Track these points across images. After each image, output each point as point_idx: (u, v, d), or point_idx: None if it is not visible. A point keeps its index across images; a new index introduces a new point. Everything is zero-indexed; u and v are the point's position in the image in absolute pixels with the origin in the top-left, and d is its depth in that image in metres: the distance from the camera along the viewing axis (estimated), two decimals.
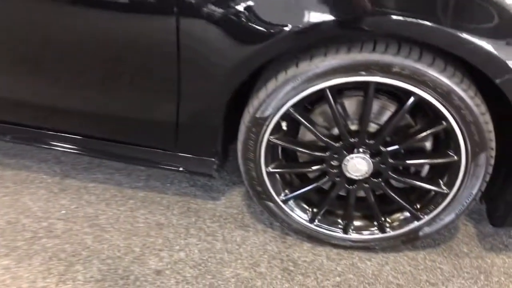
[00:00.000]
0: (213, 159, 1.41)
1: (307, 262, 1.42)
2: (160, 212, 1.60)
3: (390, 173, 1.27)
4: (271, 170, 1.35)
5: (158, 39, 1.21)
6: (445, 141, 1.23)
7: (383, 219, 1.37)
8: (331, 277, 1.37)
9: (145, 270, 1.37)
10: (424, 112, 1.24)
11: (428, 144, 1.28)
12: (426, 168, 1.33)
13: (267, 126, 1.25)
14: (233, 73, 1.19)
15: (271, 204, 1.41)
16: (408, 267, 1.41)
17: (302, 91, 1.17)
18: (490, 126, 1.13)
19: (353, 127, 1.28)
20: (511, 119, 1.17)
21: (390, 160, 1.25)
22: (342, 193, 1.41)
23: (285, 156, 1.42)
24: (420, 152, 1.29)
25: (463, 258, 1.44)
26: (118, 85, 1.35)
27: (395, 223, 1.38)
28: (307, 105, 1.31)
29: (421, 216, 1.32)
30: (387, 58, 1.08)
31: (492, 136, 1.15)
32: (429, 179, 1.32)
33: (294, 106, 1.21)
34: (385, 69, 1.08)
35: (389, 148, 1.23)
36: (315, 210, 1.41)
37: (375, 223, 1.39)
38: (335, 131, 1.29)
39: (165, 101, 1.32)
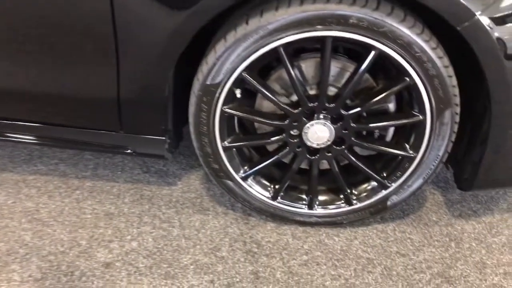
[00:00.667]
0: (164, 138, 1.29)
1: (272, 243, 1.32)
2: (110, 201, 1.45)
3: (353, 139, 1.19)
4: (228, 144, 1.24)
5: (92, 7, 1.08)
6: (409, 101, 1.16)
7: (349, 191, 1.29)
8: (297, 256, 1.28)
9: (92, 264, 1.23)
10: (386, 72, 1.17)
11: (391, 106, 1.21)
12: (391, 132, 1.26)
13: (220, 94, 1.14)
14: (171, 41, 1.08)
15: (229, 182, 1.30)
16: (378, 240, 1.34)
17: (255, 51, 1.07)
18: (454, 80, 1.07)
19: (312, 92, 1.20)
20: (473, 73, 1.11)
21: (353, 125, 1.16)
22: (304, 166, 1.33)
23: (242, 129, 1.32)
24: (383, 115, 1.22)
25: (433, 226, 1.38)
26: (53, 59, 1.20)
27: (362, 194, 1.30)
28: (263, 71, 1.22)
29: (389, 184, 1.25)
30: (343, 8, 0.99)
31: (456, 91, 1.08)
32: (395, 144, 1.25)
33: (248, 69, 1.11)
34: (342, 21, 1.00)
35: (351, 112, 1.15)
36: (277, 186, 1.32)
37: (341, 195, 1.31)
38: (294, 97, 1.20)
39: (103, 74, 1.18)
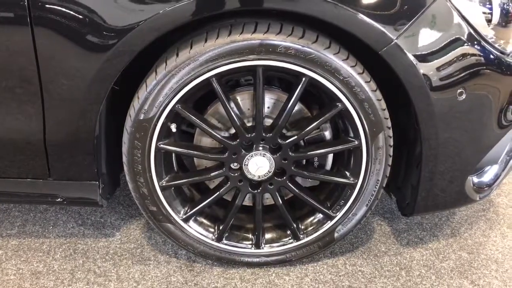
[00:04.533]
0: (96, 182, 1.21)
1: None
2: (38, 259, 1.32)
3: (293, 168, 1.18)
4: (166, 184, 1.19)
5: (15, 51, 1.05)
6: (343, 127, 1.18)
7: (295, 225, 1.25)
8: None
9: None
10: (319, 100, 1.20)
11: (327, 133, 1.22)
12: (330, 160, 1.27)
13: (154, 129, 1.10)
14: (94, 83, 1.05)
15: (170, 225, 1.23)
16: (329, 275, 1.29)
17: (187, 83, 1.05)
18: (383, 104, 1.10)
19: (250, 123, 1.19)
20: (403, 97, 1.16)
21: (291, 154, 1.16)
22: (248, 203, 1.29)
23: (182, 166, 1.27)
24: (321, 143, 1.22)
25: (382, 257, 1.35)
26: None
27: (309, 228, 1.26)
28: (200, 105, 1.21)
29: (334, 214, 1.23)
30: (270, 37, 1.01)
31: (386, 114, 1.11)
32: (335, 172, 1.25)
33: (182, 102, 1.09)
34: (270, 50, 1.02)
35: (288, 141, 1.14)
36: (221, 226, 1.26)
37: (288, 231, 1.27)
38: (232, 130, 1.19)
39: (28, 117, 1.11)
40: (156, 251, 1.36)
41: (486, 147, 1.21)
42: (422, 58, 1.03)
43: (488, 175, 1.29)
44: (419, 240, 1.43)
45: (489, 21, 1.10)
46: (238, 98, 1.19)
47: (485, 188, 1.28)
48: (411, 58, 1.02)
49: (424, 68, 1.04)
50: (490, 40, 1.09)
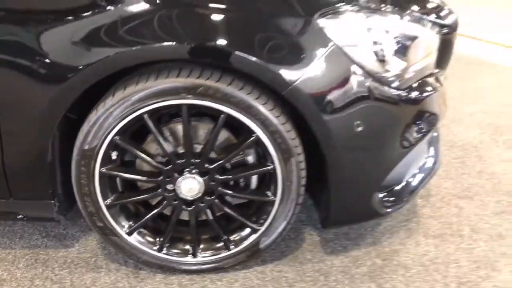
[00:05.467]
0: (52, 201, 1.40)
1: None
2: (3, 268, 1.50)
3: (220, 189, 1.37)
4: (110, 203, 1.38)
5: None
6: (262, 153, 1.37)
7: (226, 237, 1.44)
8: None
9: None
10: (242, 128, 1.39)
11: (251, 158, 1.41)
12: (254, 181, 1.46)
13: (96, 157, 1.29)
14: (44, 114, 1.23)
15: (116, 238, 1.42)
16: (256, 281, 1.47)
17: (122, 119, 1.25)
18: (293, 134, 1.29)
19: (181, 150, 1.38)
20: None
21: (217, 176, 1.35)
22: (186, 217, 1.47)
23: (127, 185, 1.45)
24: (245, 166, 1.41)
25: (306, 264, 1.55)
26: None
27: (237, 239, 1.46)
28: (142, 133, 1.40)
29: (258, 228, 1.42)
30: (191, 81, 1.21)
31: (296, 142, 1.30)
32: (259, 191, 1.44)
33: (120, 134, 1.28)
34: (191, 91, 1.21)
35: (213, 165, 1.33)
36: (161, 238, 1.44)
37: (220, 242, 1.46)
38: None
39: None
40: (108, 260, 1.55)
41: (388, 167, 1.40)
42: (320, 98, 1.23)
43: (394, 192, 1.49)
44: (342, 249, 1.62)
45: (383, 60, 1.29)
46: (172, 127, 1.37)
47: (392, 204, 1.48)
48: (311, 98, 1.22)
49: (322, 106, 1.23)
50: (384, 78, 1.29)
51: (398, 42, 1.32)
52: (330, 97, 1.23)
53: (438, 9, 1.58)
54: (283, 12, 1.19)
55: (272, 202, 1.38)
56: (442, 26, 1.52)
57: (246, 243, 1.44)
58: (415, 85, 1.38)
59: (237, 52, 1.15)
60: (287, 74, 1.19)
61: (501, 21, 6.23)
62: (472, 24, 5.91)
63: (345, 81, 1.24)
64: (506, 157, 2.32)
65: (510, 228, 1.75)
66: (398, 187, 1.51)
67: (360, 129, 1.29)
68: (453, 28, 1.59)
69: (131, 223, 1.43)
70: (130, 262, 1.53)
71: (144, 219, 1.40)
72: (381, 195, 1.45)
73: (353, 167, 1.35)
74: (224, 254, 1.45)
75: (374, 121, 1.31)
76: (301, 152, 1.33)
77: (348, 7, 1.24)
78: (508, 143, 2.48)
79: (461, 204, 1.90)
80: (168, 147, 1.32)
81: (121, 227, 1.41)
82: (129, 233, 1.42)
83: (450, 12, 1.62)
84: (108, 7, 1.17)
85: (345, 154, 1.32)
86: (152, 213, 1.39)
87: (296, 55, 1.20)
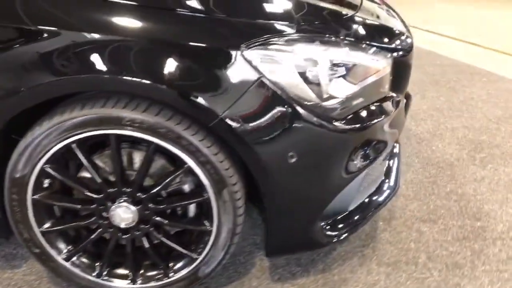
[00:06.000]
0: None
1: None
2: None
3: (155, 218, 1.35)
4: (46, 229, 1.36)
5: None
6: (197, 183, 1.34)
7: (164, 264, 1.42)
8: None
9: None
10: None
11: (186, 187, 1.38)
12: (192, 210, 1.43)
13: (27, 186, 1.28)
14: None
15: (53, 264, 1.41)
16: None
17: (51, 148, 1.23)
18: (226, 164, 1.26)
19: (113, 178, 1.36)
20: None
21: (151, 205, 1.33)
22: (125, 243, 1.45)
23: (66, 210, 1.44)
24: (180, 195, 1.39)
25: None
26: None
27: (177, 267, 1.43)
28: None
29: (196, 257, 1.40)
30: (117, 112, 1.19)
31: (230, 172, 1.27)
32: (196, 220, 1.41)
33: (51, 163, 1.27)
34: (117, 122, 1.19)
35: (145, 195, 1.31)
36: (100, 263, 1.43)
37: (160, 269, 1.44)
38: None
39: None
40: (51, 284, 1.54)
41: (328, 196, 1.37)
42: (249, 130, 1.19)
43: (338, 220, 1.45)
44: (290, 276, 1.59)
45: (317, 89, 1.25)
46: (104, 156, 1.35)
47: (336, 233, 1.44)
48: (238, 130, 1.19)
49: (251, 138, 1.20)
50: (318, 108, 1.25)
51: (334, 71, 1.28)
52: (259, 129, 1.20)
53: (390, 33, 1.53)
54: (208, 44, 1.16)
55: (209, 232, 1.36)
56: (394, 50, 1.48)
57: (185, 271, 1.42)
58: (355, 114, 1.34)
59: (157, 85, 1.13)
60: (213, 106, 1.16)
61: (505, 27, 6.10)
62: (473, 30, 5.81)
63: (275, 112, 1.20)
64: (479, 176, 2.26)
65: (468, 256, 1.70)
66: (342, 216, 1.47)
67: (294, 160, 1.25)
68: (407, 51, 1.55)
69: (70, 247, 1.42)
70: (73, 284, 1.52)
71: (80, 246, 1.39)
72: (323, 224, 1.42)
73: (289, 197, 1.31)
74: (164, 281, 1.43)
75: (310, 151, 1.27)
76: (237, 182, 1.30)
77: (277, 38, 1.21)
78: (485, 161, 2.42)
79: (423, 229, 1.85)
80: (99, 176, 1.30)
81: (59, 253, 1.39)
82: (67, 259, 1.40)
83: (404, 35, 1.57)
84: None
85: (280, 184, 1.28)
86: (86, 241, 1.38)
87: (221, 87, 1.16)
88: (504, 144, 2.63)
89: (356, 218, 1.50)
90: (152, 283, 1.44)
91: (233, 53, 1.16)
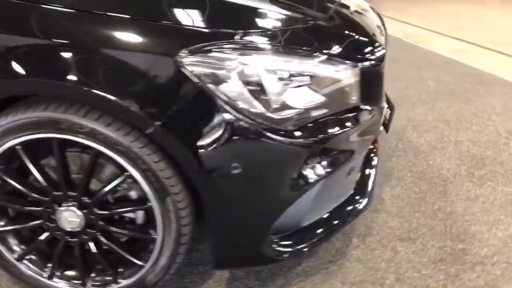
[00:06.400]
0: None
1: None
2: None
3: (101, 223, 1.34)
4: None
5: None
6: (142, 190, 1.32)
7: (113, 270, 1.41)
8: None
9: None
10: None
11: (133, 193, 1.36)
12: (141, 217, 1.41)
13: None
14: None
15: (5, 263, 1.42)
16: None
17: None
18: (168, 173, 1.23)
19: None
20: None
21: (96, 211, 1.32)
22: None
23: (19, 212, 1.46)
24: (128, 202, 1.37)
25: None
26: None
27: (126, 273, 1.42)
28: None
29: (143, 264, 1.38)
30: (57, 114, 1.18)
31: (172, 181, 1.24)
32: (143, 228, 1.39)
33: None
34: (56, 126, 1.19)
35: (91, 200, 1.30)
36: (51, 265, 1.44)
37: (110, 275, 1.43)
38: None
39: None
40: (10, 282, 1.56)
41: (277, 210, 1.31)
42: (187, 138, 1.16)
43: (292, 235, 1.39)
44: None
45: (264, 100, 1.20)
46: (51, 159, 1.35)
47: (290, 249, 1.38)
48: (176, 138, 1.16)
49: (190, 147, 1.17)
50: (265, 119, 1.19)
51: (287, 81, 1.23)
52: (198, 138, 1.17)
53: (357, 42, 1.46)
54: (147, 50, 1.13)
55: (155, 240, 1.33)
56: (361, 60, 1.41)
57: (133, 278, 1.40)
58: (311, 125, 1.28)
59: (93, 91, 1.12)
60: (150, 113, 1.14)
61: None
62: (500, 38, 5.53)
63: (215, 121, 1.16)
64: (474, 194, 2.13)
65: (441, 280, 1.60)
66: (296, 231, 1.41)
67: (238, 171, 1.21)
68: (377, 61, 1.47)
69: (23, 247, 1.43)
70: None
71: (30, 247, 1.40)
72: (273, 238, 1.37)
73: (234, 209, 1.27)
74: (113, 287, 1.43)
75: (255, 163, 1.22)
76: (180, 191, 1.27)
77: (219, 46, 1.16)
78: (484, 178, 2.27)
79: (399, 248, 1.75)
80: (48, 179, 1.31)
81: (11, 253, 1.41)
82: (18, 259, 1.42)
83: (375, 44, 1.50)
84: None
85: (223, 195, 1.24)
86: (35, 242, 1.39)
87: (159, 94, 1.14)
88: (509, 161, 2.46)
89: (314, 234, 1.44)
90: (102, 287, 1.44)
91: (172, 59, 1.12)
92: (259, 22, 1.32)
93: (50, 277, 1.44)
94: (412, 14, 7.17)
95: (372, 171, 1.71)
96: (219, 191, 1.24)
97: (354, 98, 1.43)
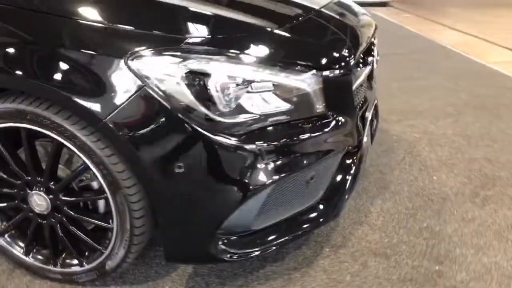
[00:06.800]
0: None
1: None
2: None
3: (65, 208, 1.45)
4: None
5: None
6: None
7: (80, 254, 1.52)
8: None
9: None
10: None
11: (95, 183, 1.46)
12: (102, 206, 1.50)
13: None
14: None
15: None
16: None
17: None
18: (120, 167, 1.31)
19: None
20: None
21: (61, 197, 1.43)
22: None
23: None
24: (90, 191, 1.47)
25: None
26: None
27: (90, 258, 1.52)
28: None
29: (103, 251, 1.47)
30: (22, 107, 1.30)
31: (124, 175, 1.31)
32: (104, 217, 1.48)
33: None
34: (22, 116, 1.31)
35: (56, 186, 1.42)
36: (26, 243, 1.57)
37: (77, 258, 1.54)
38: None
39: None
40: None
41: (221, 212, 1.34)
42: (131, 137, 1.23)
43: (239, 239, 1.42)
44: (205, 286, 1.58)
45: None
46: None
47: (235, 251, 1.41)
48: (121, 135, 1.23)
49: (135, 145, 1.24)
50: (210, 124, 1.24)
51: (239, 87, 1.26)
52: (143, 137, 1.23)
53: (322, 51, 1.45)
54: (95, 51, 1.21)
55: (111, 229, 1.42)
56: (325, 69, 1.40)
57: (95, 262, 1.50)
58: (261, 131, 1.31)
59: (46, 86, 1.22)
60: (98, 111, 1.22)
61: None
62: None
63: (158, 122, 1.22)
64: (471, 215, 2.02)
65: None
66: (248, 234, 1.43)
67: (181, 170, 1.26)
68: (345, 70, 1.45)
69: (4, 224, 1.58)
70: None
71: (8, 225, 1.55)
72: (223, 239, 1.40)
73: (179, 206, 1.32)
74: (79, 269, 1.53)
75: (199, 164, 1.26)
76: (133, 185, 1.34)
77: (165, 49, 1.21)
78: (487, 200, 2.14)
79: (370, 263, 1.71)
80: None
81: None
82: (1, 234, 1.58)
83: (346, 54, 1.48)
84: None
85: (167, 193, 1.30)
86: (12, 221, 1.54)
87: (106, 93, 1.21)
88: None
89: (266, 239, 1.46)
90: (70, 269, 1.55)
91: (119, 61, 1.20)
92: (213, 28, 1.36)
93: (26, 254, 1.58)
94: (468, 22, 6.79)
95: (347, 181, 1.68)
96: (163, 188, 1.30)
97: (318, 107, 1.43)
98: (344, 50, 1.49)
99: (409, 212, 2.03)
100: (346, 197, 1.64)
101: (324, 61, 1.42)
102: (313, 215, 1.56)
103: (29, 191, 1.45)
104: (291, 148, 1.37)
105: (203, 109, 1.23)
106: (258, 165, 1.32)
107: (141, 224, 1.40)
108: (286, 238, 1.50)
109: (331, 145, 1.50)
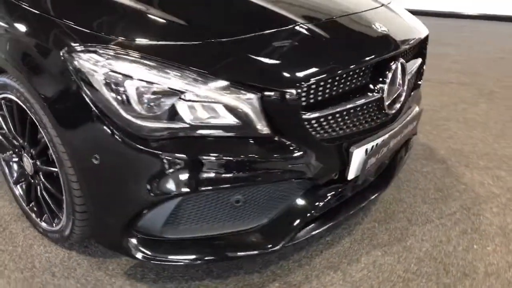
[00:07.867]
0: None
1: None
2: None
3: (40, 174, 1.68)
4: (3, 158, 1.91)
5: None
6: None
7: (52, 215, 1.74)
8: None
9: None
10: None
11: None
12: None
13: None
14: None
15: (10, 184, 1.94)
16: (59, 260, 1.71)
17: None
18: (62, 148, 1.44)
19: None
20: None
21: (37, 163, 1.66)
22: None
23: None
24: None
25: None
26: None
27: (57, 220, 1.72)
28: None
29: (61, 217, 1.65)
30: (4, 80, 1.58)
31: (66, 156, 1.45)
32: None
33: None
34: (5, 89, 1.59)
35: (32, 151, 1.66)
36: (27, 197, 1.88)
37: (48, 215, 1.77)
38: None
39: None
40: None
41: (133, 209, 1.37)
42: (62, 123, 1.38)
43: (152, 242, 1.41)
44: (153, 277, 1.62)
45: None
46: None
47: (144, 252, 1.41)
48: (57, 121, 1.38)
49: (56, 130, 1.41)
50: (125, 124, 1.28)
51: (143, 91, 1.26)
52: (69, 123, 1.37)
53: (270, 71, 1.31)
54: (41, 40, 1.39)
55: (63, 201, 1.59)
56: (266, 90, 1.28)
57: (58, 226, 1.70)
58: (179, 140, 1.30)
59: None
60: (41, 94, 1.40)
61: None
62: None
63: (80, 113, 1.32)
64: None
65: None
66: (162, 240, 1.42)
67: (97, 162, 1.34)
68: (292, 93, 1.29)
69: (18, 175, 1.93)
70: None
71: (15, 175, 1.89)
72: (138, 236, 1.42)
73: (98, 194, 1.43)
74: (50, 228, 1.76)
75: (111, 159, 1.33)
76: (71, 166, 1.46)
77: (96, 48, 1.28)
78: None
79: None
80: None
81: (11, 177, 1.92)
82: (15, 183, 1.91)
83: (297, 75, 1.32)
84: None
85: (90, 180, 1.42)
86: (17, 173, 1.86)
87: (44, 80, 1.40)
88: None
89: (183, 250, 1.43)
90: (45, 225, 1.79)
91: (58, 53, 1.33)
92: (152, 32, 1.38)
93: (27, 205, 1.89)
94: None
95: (305, 216, 1.50)
96: (85, 175, 1.41)
97: (260, 128, 1.33)
98: (298, 71, 1.33)
99: (403, 276, 1.68)
100: (293, 234, 1.48)
101: (266, 80, 1.30)
102: (247, 241, 1.46)
103: (22, 153, 1.75)
104: (213, 165, 1.31)
105: (119, 108, 1.28)
106: (166, 174, 1.30)
107: (80, 203, 1.53)
108: (210, 257, 1.44)
109: (272, 172, 1.37)
